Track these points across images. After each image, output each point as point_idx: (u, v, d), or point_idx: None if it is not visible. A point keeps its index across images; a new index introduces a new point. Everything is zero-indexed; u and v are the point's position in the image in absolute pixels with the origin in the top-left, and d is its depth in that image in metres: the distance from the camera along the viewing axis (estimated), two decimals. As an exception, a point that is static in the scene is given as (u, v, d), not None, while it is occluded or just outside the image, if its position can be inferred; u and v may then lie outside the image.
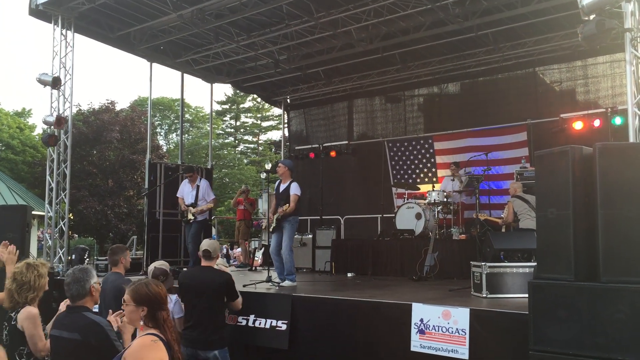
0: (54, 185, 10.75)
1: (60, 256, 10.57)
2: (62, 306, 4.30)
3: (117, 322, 3.86)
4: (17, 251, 5.14)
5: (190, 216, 10.05)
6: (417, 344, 5.65)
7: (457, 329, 5.44)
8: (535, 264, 5.93)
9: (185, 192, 10.35)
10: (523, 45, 11.93)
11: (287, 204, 8.19)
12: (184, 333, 5.58)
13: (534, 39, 11.68)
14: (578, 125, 10.48)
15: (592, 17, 6.14)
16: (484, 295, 6.58)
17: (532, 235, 6.68)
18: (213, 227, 16.31)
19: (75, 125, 25.38)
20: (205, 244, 5.94)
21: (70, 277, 3.93)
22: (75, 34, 11.02)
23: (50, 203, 10.78)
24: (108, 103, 29.46)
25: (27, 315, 4.27)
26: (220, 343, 5.61)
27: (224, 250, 23.01)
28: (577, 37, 7.93)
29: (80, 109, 28.54)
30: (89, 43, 63.69)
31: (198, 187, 10.24)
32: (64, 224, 10.78)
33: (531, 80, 12.58)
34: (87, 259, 11.49)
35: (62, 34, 10.88)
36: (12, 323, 4.29)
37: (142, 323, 3.20)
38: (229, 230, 31.15)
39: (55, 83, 10.57)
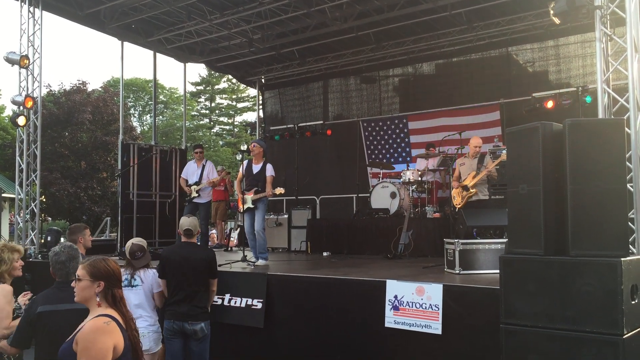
0: (24, 166, 10.56)
1: (32, 238, 10.45)
2: (22, 300, 4.37)
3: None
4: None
5: (194, 193, 10.10)
6: (391, 320, 5.72)
7: (430, 304, 5.51)
8: (506, 240, 6.04)
9: (190, 171, 10.44)
10: (496, 24, 11.97)
11: (264, 187, 8.27)
12: (170, 308, 5.74)
13: (507, 18, 11.72)
14: (550, 104, 10.59)
15: (563, -6, 6.21)
16: (457, 272, 6.68)
17: (504, 213, 6.78)
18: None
19: (46, 107, 24.86)
20: (187, 222, 6.00)
21: (64, 255, 3.97)
22: (43, 11, 10.78)
23: (20, 185, 10.59)
24: (79, 83, 28.80)
25: (1, 291, 4.27)
26: (206, 315, 5.88)
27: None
28: (549, 17, 8.01)
29: (50, 90, 27.91)
30: (59, 22, 62.38)
31: (204, 166, 10.37)
32: (35, 206, 10.62)
33: (504, 59, 12.67)
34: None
35: (29, 11, 10.63)
36: None
37: (97, 299, 3.09)
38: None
39: (23, 62, 10.34)
